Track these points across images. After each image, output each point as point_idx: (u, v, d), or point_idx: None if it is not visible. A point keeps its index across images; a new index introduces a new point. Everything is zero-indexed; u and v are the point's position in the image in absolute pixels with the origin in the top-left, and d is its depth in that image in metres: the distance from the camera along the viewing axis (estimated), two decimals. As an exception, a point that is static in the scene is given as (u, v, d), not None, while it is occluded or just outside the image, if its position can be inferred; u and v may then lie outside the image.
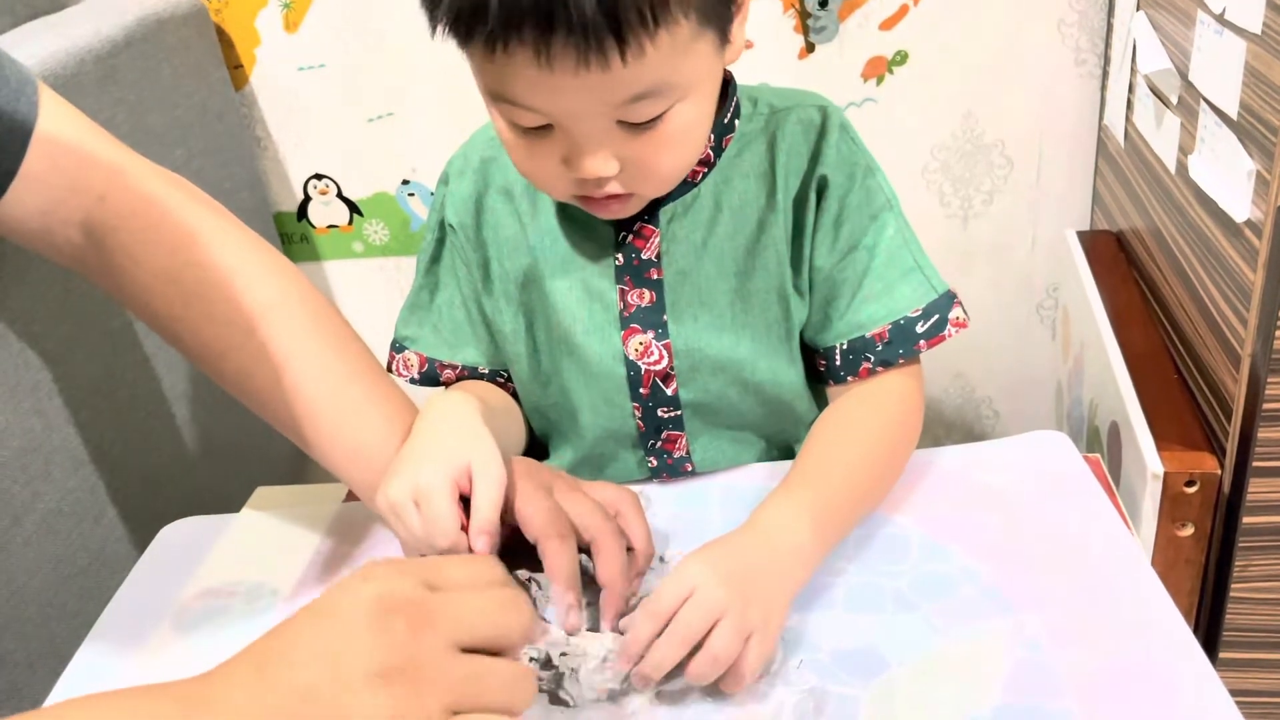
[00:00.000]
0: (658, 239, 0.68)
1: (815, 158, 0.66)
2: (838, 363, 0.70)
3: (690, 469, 0.73)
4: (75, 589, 0.86)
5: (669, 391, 0.70)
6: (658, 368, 0.69)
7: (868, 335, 0.68)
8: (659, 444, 0.72)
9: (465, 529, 0.57)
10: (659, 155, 0.59)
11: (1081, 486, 0.69)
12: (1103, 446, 0.91)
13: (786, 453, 0.77)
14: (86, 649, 0.66)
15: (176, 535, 0.77)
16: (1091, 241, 1.08)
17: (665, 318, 0.68)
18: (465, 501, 0.59)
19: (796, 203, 0.67)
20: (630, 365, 0.69)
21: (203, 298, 0.65)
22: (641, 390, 0.70)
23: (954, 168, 1.18)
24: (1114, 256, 1.03)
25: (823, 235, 0.67)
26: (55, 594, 0.85)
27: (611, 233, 0.68)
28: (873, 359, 0.69)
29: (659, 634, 0.54)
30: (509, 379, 0.76)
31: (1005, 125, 1.17)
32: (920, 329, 0.68)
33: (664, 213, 0.67)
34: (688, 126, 0.59)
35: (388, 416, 0.66)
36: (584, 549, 0.61)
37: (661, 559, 0.65)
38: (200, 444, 1.07)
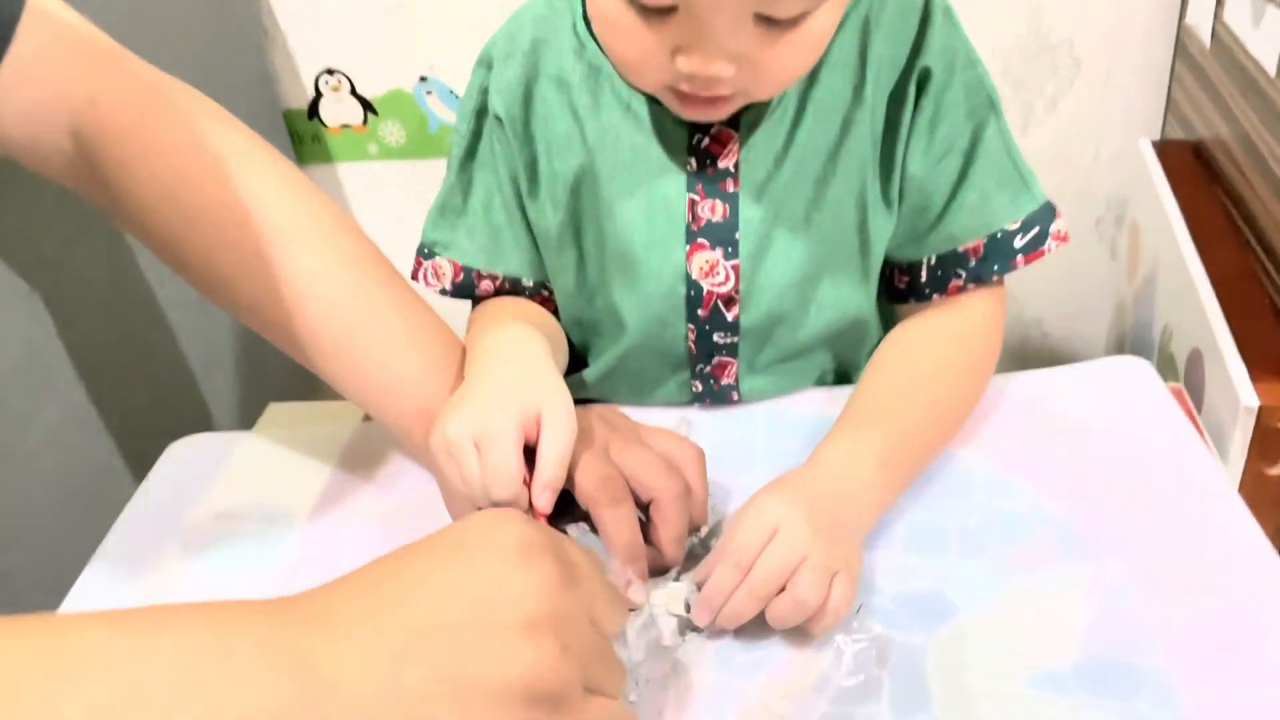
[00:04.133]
0: (736, 146, 0.60)
1: (917, 47, 0.58)
2: (923, 279, 0.64)
3: (736, 399, 0.68)
4: (81, 504, 0.82)
5: (729, 316, 0.64)
6: (722, 289, 0.63)
7: (960, 249, 0.62)
8: (708, 369, 0.67)
9: (526, 482, 0.52)
10: (789, 59, 0.52)
11: (1164, 417, 0.63)
12: (1178, 375, 0.85)
13: (842, 381, 0.71)
14: (91, 570, 0.62)
15: (185, 453, 0.72)
16: (1165, 152, 1.00)
17: (737, 236, 0.62)
18: (527, 451, 0.53)
19: (892, 99, 0.60)
20: (692, 285, 0.63)
21: (208, 219, 0.58)
22: (700, 312, 0.64)
23: (1015, 70, 1.09)
24: (1192, 169, 0.95)
25: (918, 136, 0.60)
26: (60, 509, 0.81)
27: (685, 136, 0.61)
28: (964, 275, 0.62)
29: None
30: (552, 295, 0.69)
31: (1076, 23, 1.07)
32: (1018, 243, 0.61)
33: (745, 117, 0.60)
34: (825, 31, 0.52)
35: (423, 348, 0.60)
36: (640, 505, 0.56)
37: None
38: (209, 353, 1.02)
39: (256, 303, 0.60)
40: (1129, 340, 1.01)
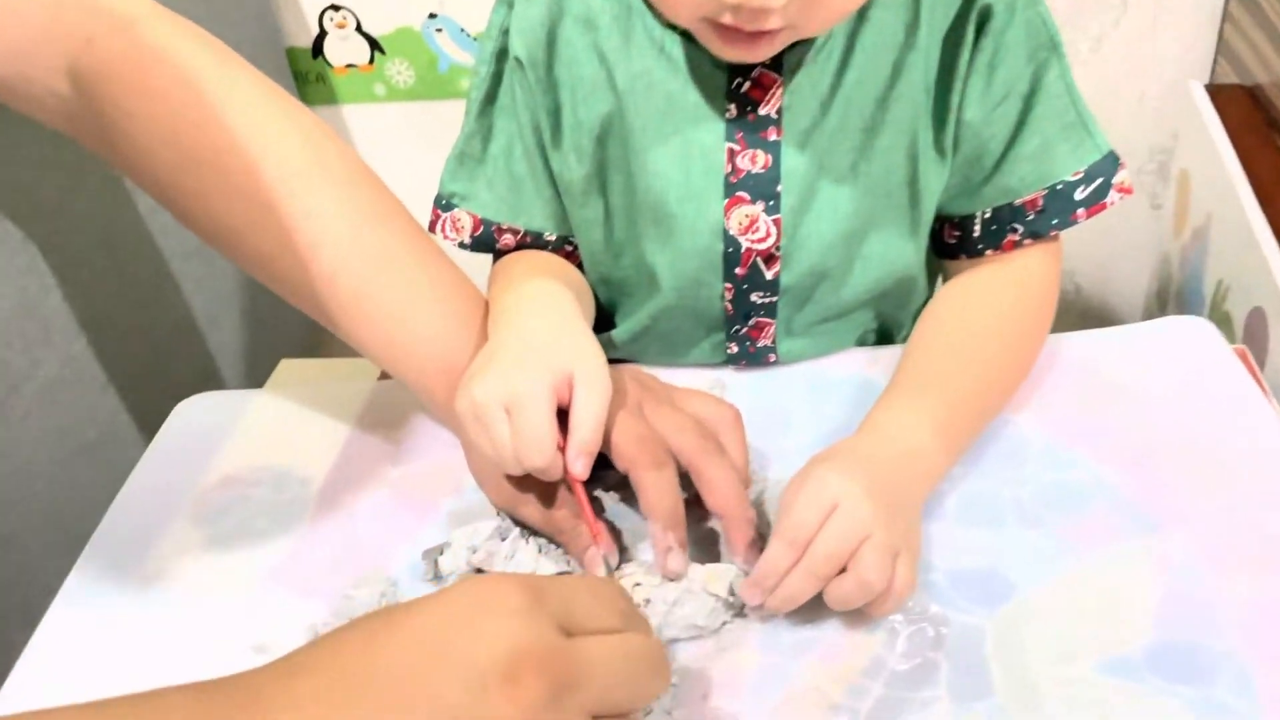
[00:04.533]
0: (779, 90, 0.56)
1: None
2: (976, 234, 0.60)
3: (773, 360, 0.64)
4: (84, 464, 0.79)
5: (769, 274, 0.60)
6: (761, 246, 0.59)
7: (1018, 202, 0.58)
8: (744, 330, 0.63)
9: (560, 447, 0.49)
10: None
11: (1228, 380, 0.60)
12: (1235, 334, 0.81)
13: (884, 341, 0.67)
14: (96, 544, 0.59)
15: (192, 413, 0.69)
16: (1218, 96, 0.95)
17: (779, 189, 0.57)
18: (560, 415, 0.50)
19: (948, 41, 0.55)
20: (730, 241, 0.59)
21: (211, 163, 0.54)
22: (738, 271, 0.60)
23: (1059, 8, 1.03)
24: (1248, 114, 0.90)
25: (976, 80, 0.56)
26: (63, 469, 0.78)
27: (724, 80, 0.56)
28: (1020, 230, 0.58)
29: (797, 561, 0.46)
30: (577, 249, 0.65)
31: (1122, -43, 1.01)
32: (1079, 196, 0.57)
33: (789, 58, 0.55)
34: None
35: (445, 303, 0.56)
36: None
37: None
38: (215, 305, 0.98)
39: (265, 254, 0.56)
40: (1174, 296, 0.97)
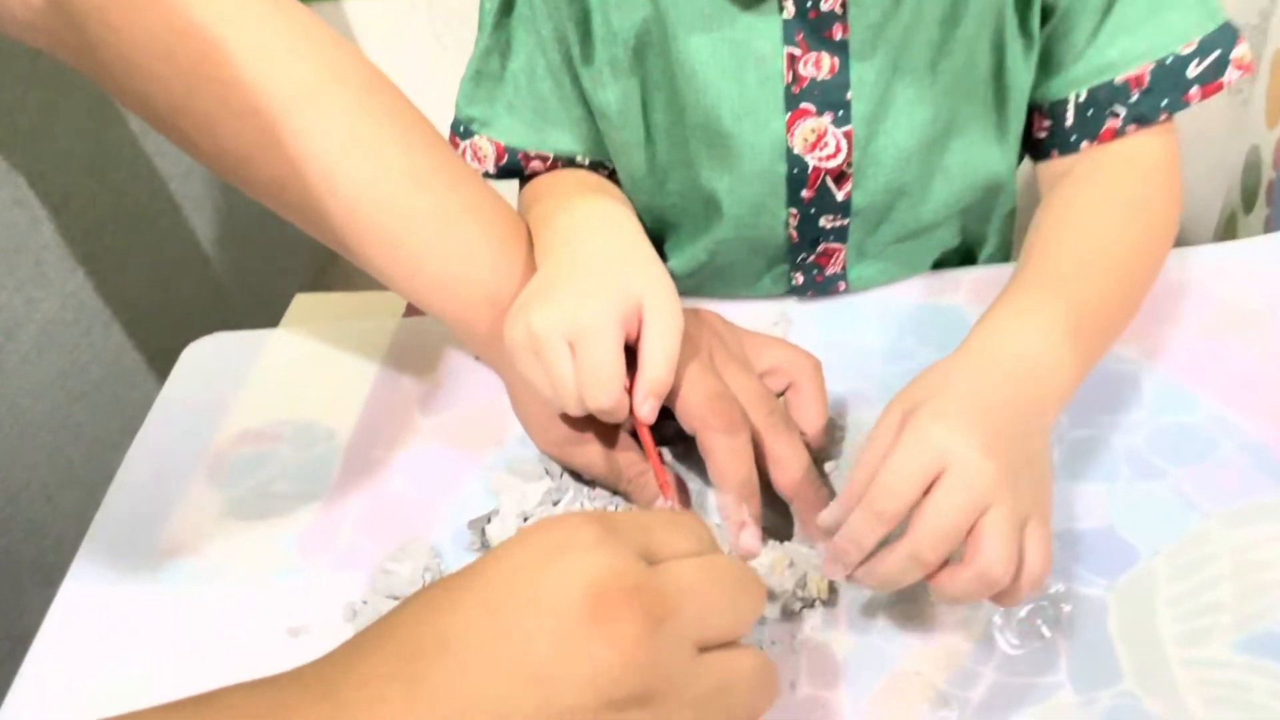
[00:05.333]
0: None
1: None
2: (1069, 122, 0.52)
3: (843, 288, 0.57)
4: (89, 407, 0.73)
5: (839, 195, 0.53)
6: (830, 164, 0.52)
7: (1118, 80, 0.50)
8: (811, 258, 0.56)
9: (625, 388, 0.43)
10: None
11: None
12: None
13: (966, 262, 0.60)
14: (108, 509, 0.54)
15: (203, 357, 0.63)
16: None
17: (849, 96, 0.50)
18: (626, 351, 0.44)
19: None
20: (794, 161, 0.52)
21: (212, 81, 0.47)
22: (804, 194, 0.53)
23: None
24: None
25: None
26: (67, 415, 0.72)
27: None
28: (1122, 114, 0.50)
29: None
30: (613, 172, 0.58)
31: None
32: (1192, 71, 0.49)
33: None
34: None
35: (486, 226, 0.50)
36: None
37: None
38: (221, 229, 0.91)
39: (276, 181, 0.49)
40: (1272, 197, 0.89)
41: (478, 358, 0.56)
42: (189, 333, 0.63)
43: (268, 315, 0.67)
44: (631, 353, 0.44)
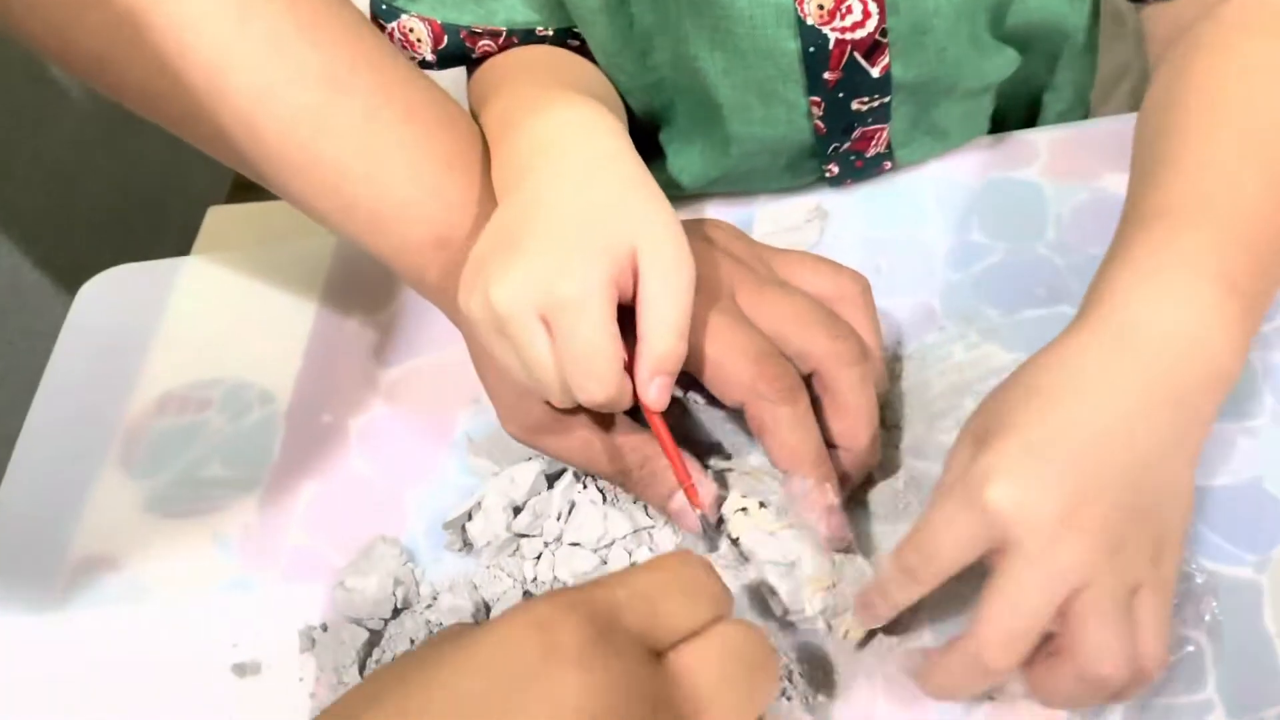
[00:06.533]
0: None
1: None
2: None
3: (890, 166, 0.46)
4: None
5: (875, 72, 0.41)
6: (858, 34, 0.39)
7: None
8: (845, 147, 0.44)
9: (625, 367, 0.33)
10: None
11: None
12: None
13: (1032, 119, 0.48)
14: (1, 514, 0.44)
15: (103, 297, 0.51)
16: None
17: None
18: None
19: None
20: (809, 35, 0.39)
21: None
22: (826, 76, 0.41)
23: None
24: None
25: None
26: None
27: None
28: None
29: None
30: (583, 43, 0.44)
31: None
32: None
33: None
34: None
35: (427, 142, 0.38)
36: None
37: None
38: (114, 125, 0.77)
39: (149, 91, 0.38)
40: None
41: (435, 305, 0.45)
42: (87, 256, 0.52)
43: (181, 231, 0.55)
44: (626, 313, 0.33)
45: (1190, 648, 0.32)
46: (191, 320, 0.49)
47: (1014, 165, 0.46)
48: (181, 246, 0.53)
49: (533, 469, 0.38)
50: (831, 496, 0.34)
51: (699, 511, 0.35)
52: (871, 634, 0.34)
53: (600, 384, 0.32)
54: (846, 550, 0.35)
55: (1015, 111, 0.50)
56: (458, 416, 0.43)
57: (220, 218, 0.55)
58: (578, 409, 0.36)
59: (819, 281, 0.37)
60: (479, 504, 0.38)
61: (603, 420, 0.36)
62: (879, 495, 0.38)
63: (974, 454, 0.30)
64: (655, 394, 0.33)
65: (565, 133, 0.36)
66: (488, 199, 0.37)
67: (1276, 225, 0.33)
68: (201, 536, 0.41)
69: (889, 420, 0.39)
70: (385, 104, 0.38)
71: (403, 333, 0.46)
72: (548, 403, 0.36)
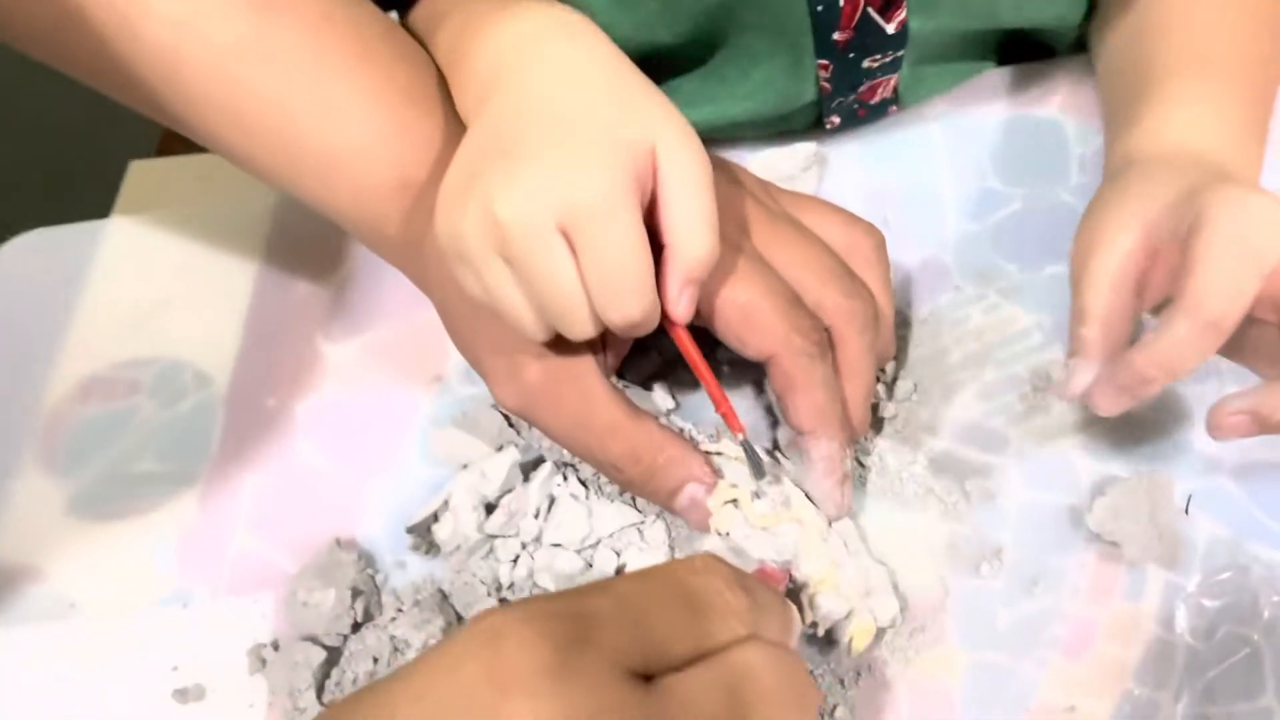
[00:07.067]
0: None
1: None
2: None
3: (895, 110, 0.41)
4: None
5: (890, 28, 0.36)
6: None
7: None
8: (850, 100, 0.39)
9: None
10: None
11: None
12: None
13: (1040, 48, 0.44)
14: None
15: (16, 267, 0.46)
16: None
17: None
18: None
19: None
20: None
21: None
22: (835, 37, 0.36)
23: None
24: None
25: None
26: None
27: None
28: None
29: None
30: None
31: None
32: None
33: None
34: None
35: (377, 77, 0.33)
36: None
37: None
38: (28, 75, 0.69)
39: (47, 24, 0.33)
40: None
41: (395, 264, 0.39)
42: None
43: (102, 189, 0.49)
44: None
45: (1246, 650, 0.29)
46: (116, 291, 0.44)
47: (1031, 102, 0.42)
48: (102, 208, 0.47)
49: (506, 460, 0.34)
50: (848, 464, 0.31)
51: (741, 436, 0.31)
52: (877, 638, 0.31)
53: (638, 297, 0.28)
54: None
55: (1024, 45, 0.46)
56: (418, 396, 0.38)
57: (144, 173, 0.49)
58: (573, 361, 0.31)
59: (830, 230, 0.33)
60: (445, 503, 0.33)
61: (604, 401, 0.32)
62: (895, 478, 0.34)
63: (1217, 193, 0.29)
64: (685, 307, 0.29)
65: (547, 34, 0.31)
66: (454, 137, 0.32)
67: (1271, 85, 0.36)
68: (134, 542, 0.37)
69: (899, 394, 0.35)
70: (330, 32, 0.33)
71: (356, 302, 0.42)
72: (538, 362, 0.31)
